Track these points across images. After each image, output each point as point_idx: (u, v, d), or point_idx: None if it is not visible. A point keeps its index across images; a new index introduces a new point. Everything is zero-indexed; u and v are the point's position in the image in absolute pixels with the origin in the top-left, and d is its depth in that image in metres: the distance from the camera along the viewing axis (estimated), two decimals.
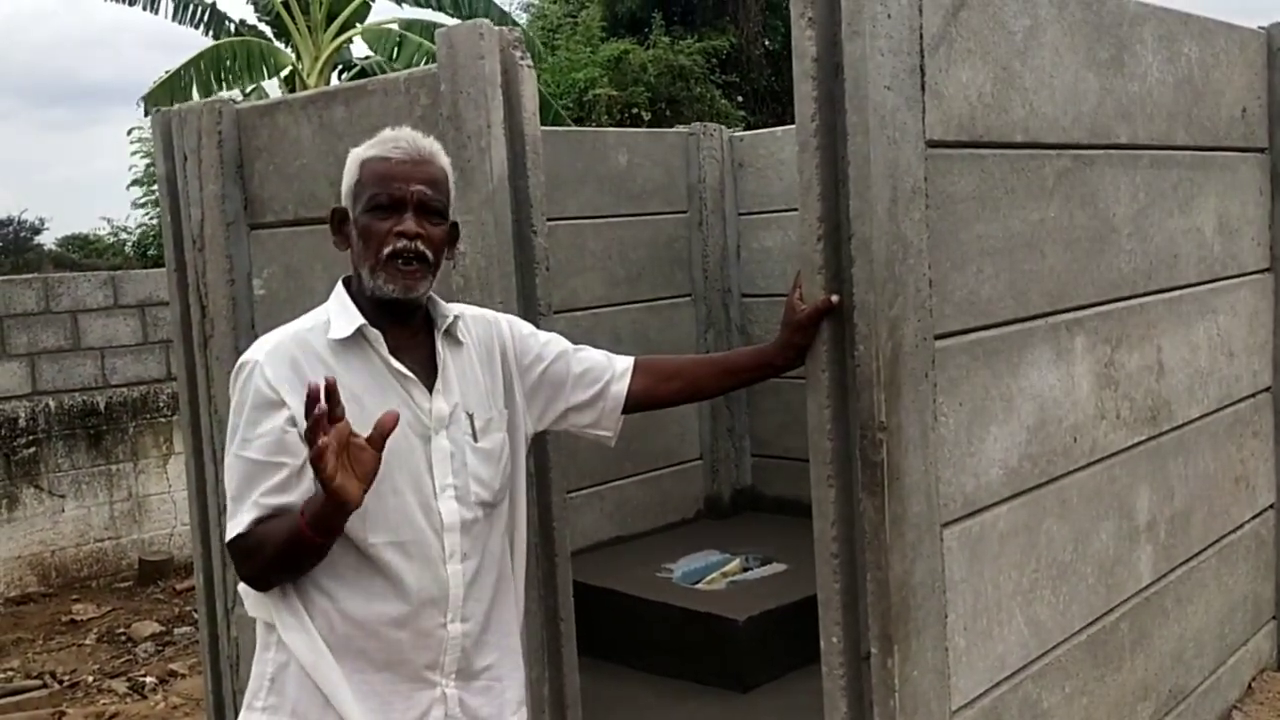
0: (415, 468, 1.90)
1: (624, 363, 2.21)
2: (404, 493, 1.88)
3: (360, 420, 1.77)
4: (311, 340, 1.90)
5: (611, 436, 2.22)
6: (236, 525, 1.83)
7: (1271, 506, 3.78)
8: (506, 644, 2.06)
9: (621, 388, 2.17)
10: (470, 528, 1.94)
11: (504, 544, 2.05)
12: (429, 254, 1.91)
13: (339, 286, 1.99)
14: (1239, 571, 3.59)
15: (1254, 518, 3.67)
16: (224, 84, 12.01)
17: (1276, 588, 3.82)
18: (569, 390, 2.15)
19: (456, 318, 2.02)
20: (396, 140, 1.94)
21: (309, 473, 1.78)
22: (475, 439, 1.97)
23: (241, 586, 1.96)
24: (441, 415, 1.94)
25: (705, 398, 2.36)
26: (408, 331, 1.96)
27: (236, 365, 1.92)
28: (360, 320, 1.90)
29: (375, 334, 1.91)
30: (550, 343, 2.18)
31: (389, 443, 1.76)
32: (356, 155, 1.96)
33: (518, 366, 2.12)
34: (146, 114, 12.08)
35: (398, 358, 1.92)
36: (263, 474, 1.83)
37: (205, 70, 11.87)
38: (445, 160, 1.99)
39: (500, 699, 2.03)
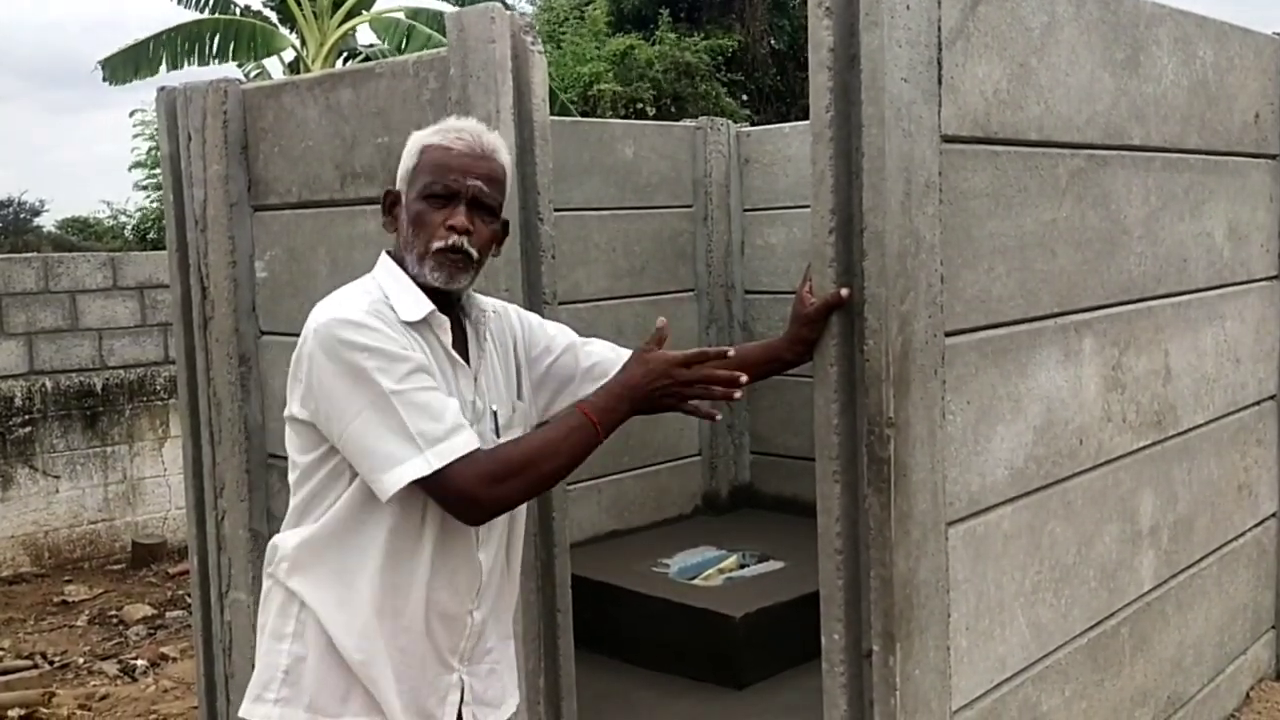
0: None
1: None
2: None
3: None
4: (386, 313, 1.84)
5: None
6: (463, 444, 1.76)
7: (1274, 515, 3.76)
8: (504, 630, 2.07)
9: None
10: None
11: (506, 532, 2.04)
12: (474, 252, 1.89)
13: (387, 261, 1.95)
14: (1240, 579, 3.57)
15: (1256, 526, 3.65)
16: (201, 60, 11.74)
17: (1277, 596, 3.80)
18: (576, 384, 2.14)
19: (489, 313, 2.02)
20: (460, 130, 1.92)
21: None
22: (498, 434, 1.97)
23: (287, 564, 1.90)
24: (480, 409, 1.95)
25: None
26: (451, 319, 1.94)
27: (329, 322, 1.80)
28: (430, 305, 1.88)
29: (442, 320, 1.90)
30: (559, 335, 2.16)
31: None
32: (418, 139, 1.94)
33: (526, 357, 2.11)
34: (105, 79, 11.69)
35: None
36: (449, 406, 1.79)
37: (180, 44, 11.57)
38: (506, 158, 1.97)
39: (501, 681, 2.05)
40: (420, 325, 1.87)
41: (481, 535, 1.93)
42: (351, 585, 1.87)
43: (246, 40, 11.94)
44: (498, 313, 2.09)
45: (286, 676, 1.88)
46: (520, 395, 2.08)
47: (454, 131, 1.91)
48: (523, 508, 2.10)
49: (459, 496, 1.78)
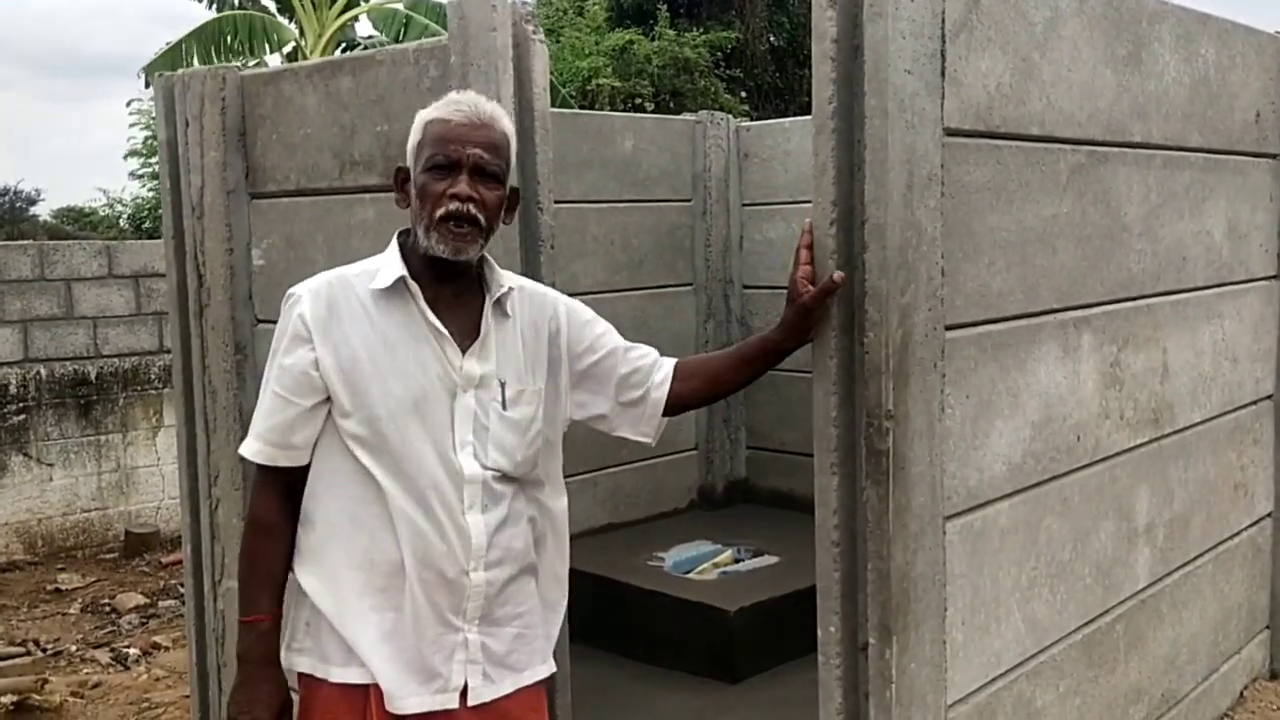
0: (438, 420, 1.96)
1: (665, 370, 2.19)
2: (424, 441, 1.95)
3: (391, 367, 1.94)
4: (356, 286, 1.99)
5: (652, 440, 2.23)
6: (247, 449, 2.02)
7: (1269, 515, 3.76)
8: (541, 596, 2.12)
9: (661, 395, 2.17)
10: (489, 484, 1.99)
11: (541, 510, 2.10)
12: (481, 217, 1.95)
13: (394, 239, 2.06)
14: (1235, 579, 3.57)
15: (1251, 525, 3.65)
16: (224, 57, 11.91)
17: (1271, 596, 3.81)
18: (613, 389, 2.17)
19: (511, 289, 2.06)
20: (459, 103, 1.99)
21: (320, 412, 1.97)
22: (504, 407, 2.01)
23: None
24: (472, 376, 1.99)
25: (727, 392, 2.36)
26: (453, 290, 2.01)
27: (287, 293, 2.02)
28: (402, 271, 1.97)
29: (415, 286, 1.97)
30: (604, 335, 2.18)
31: (415, 390, 1.94)
32: (422, 116, 2.01)
33: (569, 352, 2.14)
34: (148, 86, 12.01)
35: (437, 314, 1.97)
36: (276, 408, 1.98)
37: (206, 42, 11.79)
38: (508, 125, 2.03)
39: (530, 647, 2.09)
40: (392, 292, 1.97)
41: (470, 498, 1.96)
42: (327, 557, 1.99)
43: (260, 34, 12.05)
44: (541, 296, 2.14)
45: (307, 628, 2.01)
46: (550, 382, 2.10)
47: (454, 104, 1.99)
48: (558, 490, 2.16)
49: (252, 484, 2.07)
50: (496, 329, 2.02)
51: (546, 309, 2.12)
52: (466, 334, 1.99)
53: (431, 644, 1.96)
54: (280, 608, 2.00)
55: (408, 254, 2.00)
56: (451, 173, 1.93)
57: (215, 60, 11.81)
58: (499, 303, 2.03)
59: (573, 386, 2.16)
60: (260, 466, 2.00)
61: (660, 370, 2.18)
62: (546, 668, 2.12)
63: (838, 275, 2.14)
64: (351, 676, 1.96)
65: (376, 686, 1.95)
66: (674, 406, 2.20)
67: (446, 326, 1.97)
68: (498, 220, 2.01)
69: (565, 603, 2.20)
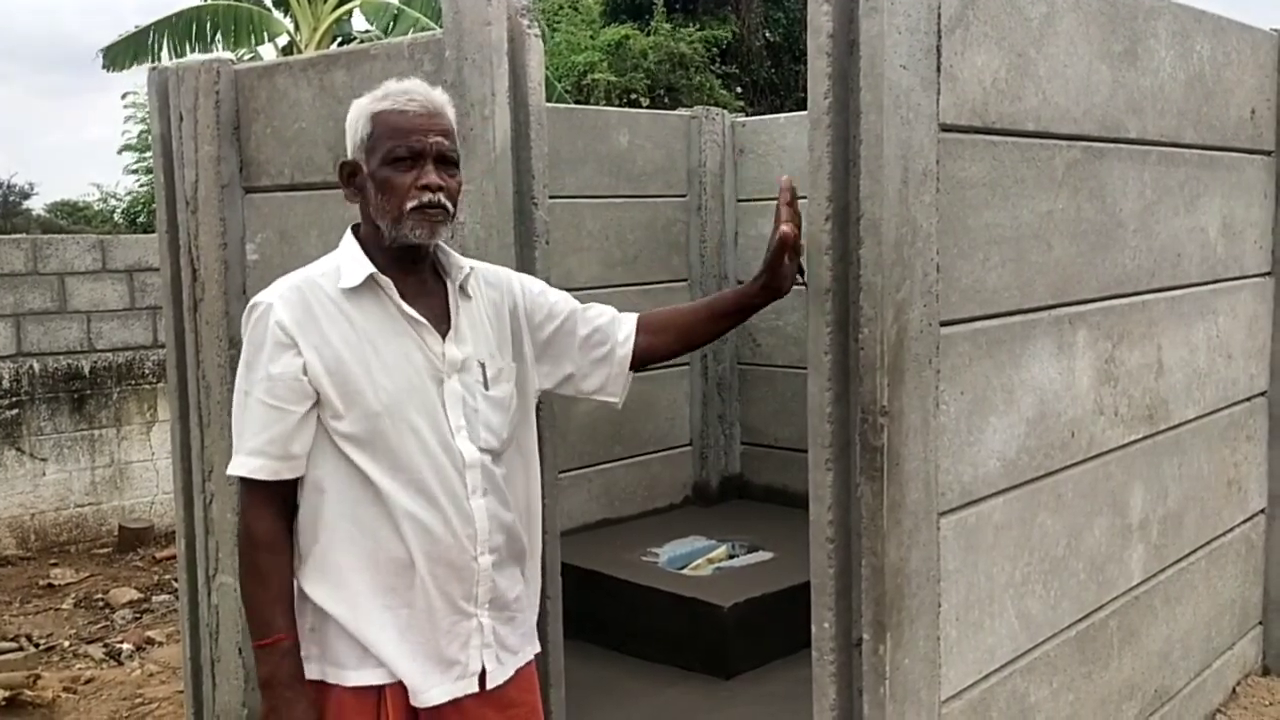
0: (431, 408, 1.97)
1: (627, 327, 2.24)
2: (422, 432, 1.95)
3: (375, 362, 1.94)
4: (324, 286, 1.97)
5: (618, 400, 2.27)
6: (243, 468, 1.94)
7: (1262, 511, 3.77)
8: (527, 578, 2.15)
9: (626, 351, 2.22)
10: (486, 467, 2.02)
11: (518, 486, 2.12)
12: (449, 204, 1.98)
13: (348, 235, 2.05)
14: (1228, 575, 3.58)
15: (1245, 521, 3.66)
16: (200, 48, 11.71)
17: (1264, 593, 3.81)
18: (577, 351, 2.21)
19: (471, 270, 2.08)
20: (409, 93, 1.98)
21: (313, 418, 1.93)
22: (487, 387, 2.04)
23: (298, 561, 2.03)
24: (455, 360, 2.00)
25: (699, 345, 2.40)
26: (417, 279, 2.03)
27: (249, 304, 1.98)
28: (370, 268, 1.96)
29: (386, 280, 1.97)
30: (559, 302, 2.23)
31: (404, 383, 1.94)
32: (365, 108, 1.99)
33: (529, 323, 2.17)
34: (105, 67, 11.72)
35: (408, 304, 1.98)
36: (271, 419, 1.92)
37: (181, 31, 11.58)
38: (452, 110, 2.05)
39: (523, 628, 2.13)
40: (363, 289, 1.96)
41: (473, 483, 1.99)
42: (333, 563, 1.97)
43: (245, 26, 11.90)
44: (497, 275, 2.17)
45: (312, 634, 1.99)
46: (516, 357, 2.13)
47: (404, 95, 1.98)
48: (534, 465, 2.19)
49: (240, 504, 2.00)
50: (464, 310, 2.05)
51: (502, 286, 2.16)
52: (439, 321, 2.01)
53: (447, 634, 1.97)
54: (295, 624, 1.96)
55: (368, 249, 1.99)
56: (415, 164, 1.94)
57: (185, 50, 11.58)
58: (462, 285, 2.06)
59: (538, 358, 2.19)
60: (254, 483, 1.94)
61: (622, 327, 2.23)
62: (533, 647, 2.16)
63: (785, 227, 2.10)
64: (366, 678, 1.96)
65: (391, 686, 1.96)
66: (642, 360, 2.24)
67: (420, 314, 1.99)
68: (458, 206, 2.04)
69: (540, 582, 2.24)
